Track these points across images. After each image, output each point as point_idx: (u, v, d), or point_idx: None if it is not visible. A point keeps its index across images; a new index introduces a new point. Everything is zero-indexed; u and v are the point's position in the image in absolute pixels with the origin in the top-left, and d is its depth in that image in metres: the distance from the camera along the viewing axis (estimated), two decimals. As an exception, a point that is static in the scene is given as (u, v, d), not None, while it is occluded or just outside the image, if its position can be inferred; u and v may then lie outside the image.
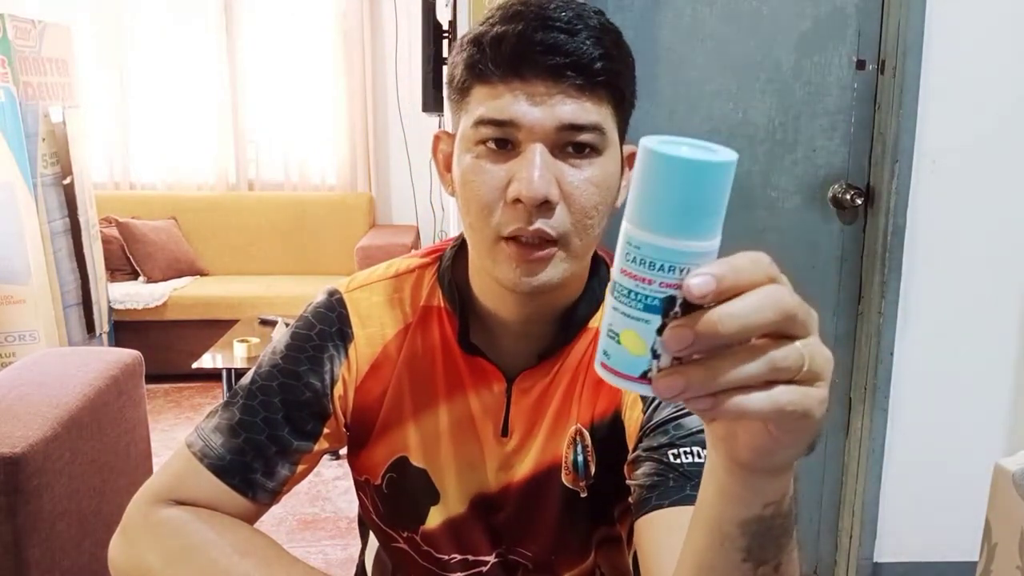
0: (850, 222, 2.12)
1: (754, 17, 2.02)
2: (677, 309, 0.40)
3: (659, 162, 0.40)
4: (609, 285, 0.42)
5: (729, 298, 0.40)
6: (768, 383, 0.41)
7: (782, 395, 0.41)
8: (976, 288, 2.10)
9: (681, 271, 0.40)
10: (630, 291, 0.41)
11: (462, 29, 2.01)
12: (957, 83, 2.00)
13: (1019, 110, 2.03)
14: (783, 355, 0.40)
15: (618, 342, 0.42)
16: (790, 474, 0.47)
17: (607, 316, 0.42)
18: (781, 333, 0.41)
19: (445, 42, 2.52)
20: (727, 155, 0.40)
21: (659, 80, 2.00)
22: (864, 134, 2.07)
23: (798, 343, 0.41)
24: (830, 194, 2.09)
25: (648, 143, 0.40)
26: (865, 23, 2.02)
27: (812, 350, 0.41)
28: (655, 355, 0.41)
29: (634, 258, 0.40)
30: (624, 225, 0.41)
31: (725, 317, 0.39)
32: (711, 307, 0.39)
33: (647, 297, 0.40)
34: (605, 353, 0.43)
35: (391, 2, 4.35)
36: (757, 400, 0.40)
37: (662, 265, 0.40)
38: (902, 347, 2.10)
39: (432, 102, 2.62)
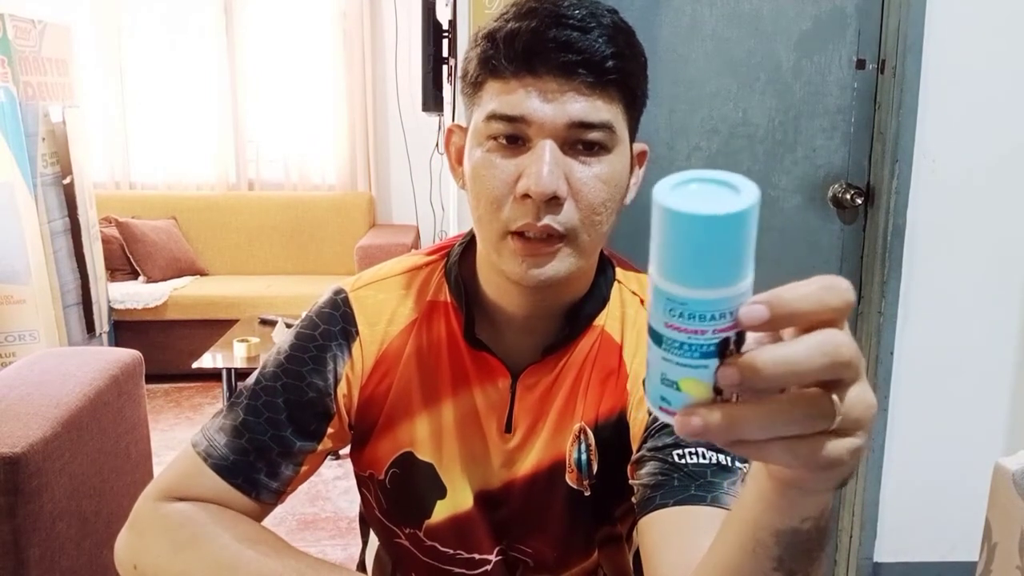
0: (850, 222, 2.12)
1: (754, 17, 2.02)
2: (732, 347, 0.39)
3: (683, 222, 0.37)
4: (649, 332, 0.41)
5: (796, 331, 0.38)
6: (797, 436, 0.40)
7: (802, 450, 0.40)
8: (976, 288, 2.10)
9: (732, 314, 0.39)
10: (683, 343, 0.39)
11: (462, 29, 2.01)
12: (957, 83, 2.00)
13: (1019, 110, 2.03)
14: (816, 412, 0.39)
15: (677, 389, 0.41)
16: (832, 492, 0.46)
17: (656, 364, 0.41)
18: (830, 380, 0.39)
19: (445, 42, 2.52)
20: (749, 194, 0.38)
21: (659, 80, 2.00)
22: (864, 134, 2.07)
23: (835, 396, 0.39)
24: (830, 194, 2.09)
25: (663, 200, 0.37)
26: (865, 23, 2.02)
27: (854, 399, 0.40)
28: (718, 391, 0.40)
29: (681, 314, 0.39)
30: (657, 279, 0.39)
31: (769, 361, 0.38)
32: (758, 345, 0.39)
33: (703, 346, 0.39)
34: (664, 399, 0.41)
35: (391, 2, 4.35)
36: (776, 452, 0.40)
37: (714, 315, 0.39)
38: (902, 347, 2.10)
39: (432, 102, 2.62)
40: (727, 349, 0.39)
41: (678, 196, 0.38)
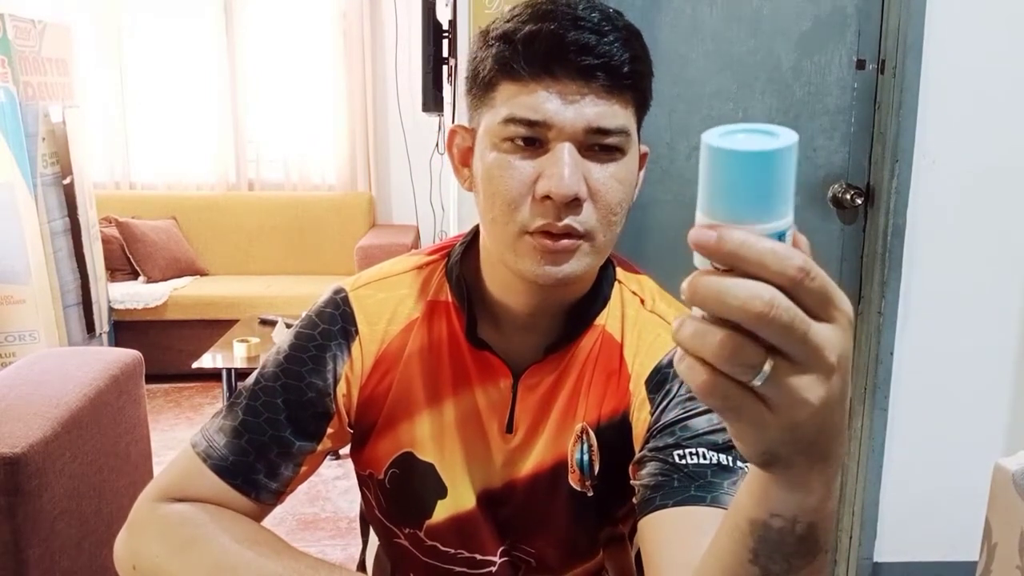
0: (850, 222, 2.12)
1: (754, 17, 2.02)
2: None
3: (719, 158, 0.40)
4: None
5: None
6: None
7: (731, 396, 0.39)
8: (976, 288, 2.10)
9: None
10: None
11: (462, 29, 2.01)
12: (957, 83, 2.00)
13: (1019, 110, 2.03)
14: (740, 358, 0.38)
15: None
16: (802, 495, 0.45)
17: None
18: (770, 345, 0.38)
19: (445, 42, 2.52)
20: (786, 137, 0.41)
21: (659, 80, 1.98)
22: (864, 134, 2.07)
23: (769, 362, 0.38)
24: (830, 194, 2.09)
25: (710, 141, 0.40)
26: (865, 23, 2.02)
27: (791, 384, 0.39)
28: None
29: None
30: (698, 219, 0.40)
31: (704, 283, 0.38)
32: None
33: None
34: None
35: (391, 2, 4.34)
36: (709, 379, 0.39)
37: None
38: (902, 347, 2.10)
39: (432, 102, 2.62)
40: None
41: (725, 140, 0.40)
